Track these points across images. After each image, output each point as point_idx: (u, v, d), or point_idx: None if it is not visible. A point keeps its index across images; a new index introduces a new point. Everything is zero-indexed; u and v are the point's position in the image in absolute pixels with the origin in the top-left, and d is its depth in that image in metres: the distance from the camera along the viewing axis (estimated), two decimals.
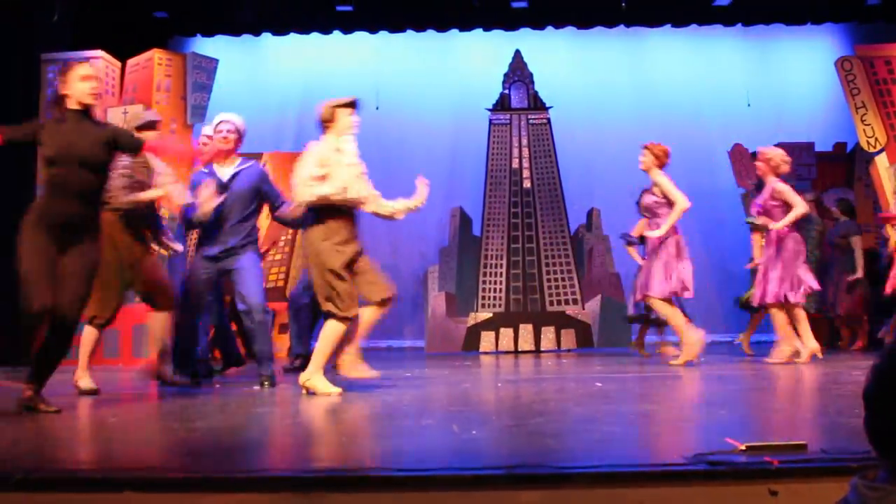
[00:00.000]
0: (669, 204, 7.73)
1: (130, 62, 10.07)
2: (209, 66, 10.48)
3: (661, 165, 7.89)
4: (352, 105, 6.12)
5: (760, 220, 7.87)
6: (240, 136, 6.68)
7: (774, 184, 7.76)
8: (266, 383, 6.19)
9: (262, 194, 6.64)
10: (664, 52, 12.39)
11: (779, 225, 7.53)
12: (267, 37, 12.02)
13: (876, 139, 9.79)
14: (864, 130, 9.84)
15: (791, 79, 12.34)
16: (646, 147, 8.01)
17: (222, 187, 6.35)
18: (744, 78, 12.38)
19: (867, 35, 11.25)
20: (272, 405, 5.28)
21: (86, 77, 4.77)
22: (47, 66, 9.88)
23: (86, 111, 4.80)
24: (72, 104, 4.78)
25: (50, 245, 4.62)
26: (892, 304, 9.10)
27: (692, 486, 2.66)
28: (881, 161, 9.73)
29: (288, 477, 2.75)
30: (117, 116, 9.84)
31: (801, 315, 7.68)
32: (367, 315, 5.97)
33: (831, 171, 10.97)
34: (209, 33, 11.88)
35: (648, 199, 7.95)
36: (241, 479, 2.73)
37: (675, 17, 11.63)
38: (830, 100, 11.54)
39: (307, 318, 8.14)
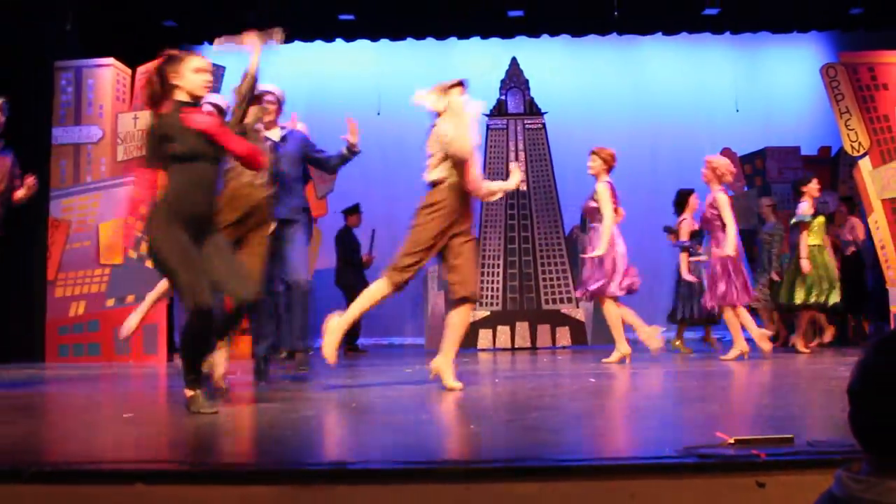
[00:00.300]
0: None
1: (140, 69, 10.05)
2: (217, 73, 10.46)
3: (610, 169, 7.92)
4: (461, 85, 6.02)
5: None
6: (280, 105, 6.73)
7: (717, 193, 7.81)
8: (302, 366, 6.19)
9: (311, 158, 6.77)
10: (656, 60, 12.40)
11: (724, 252, 7.64)
12: (272, 45, 12.01)
13: (859, 143, 9.78)
14: (847, 135, 9.84)
15: (778, 85, 12.36)
16: (593, 152, 8.00)
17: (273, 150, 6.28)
18: (732, 84, 12.40)
19: (851, 43, 11.26)
20: (276, 400, 5.28)
21: (199, 69, 4.53)
22: (60, 74, 9.88)
23: (196, 104, 4.55)
24: (181, 96, 4.49)
25: (190, 241, 4.33)
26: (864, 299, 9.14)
27: (683, 479, 2.66)
28: (864, 165, 9.73)
29: (292, 470, 2.75)
30: (128, 122, 9.85)
31: (742, 313, 7.84)
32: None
33: (816, 174, 10.96)
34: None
35: (591, 205, 7.96)
36: (246, 472, 2.73)
37: (666, 25, 11.63)
38: (815, 105, 11.55)
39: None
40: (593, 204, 7.92)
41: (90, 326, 9.32)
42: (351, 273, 10.50)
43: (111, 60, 9.93)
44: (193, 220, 4.32)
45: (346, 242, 10.81)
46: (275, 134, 6.50)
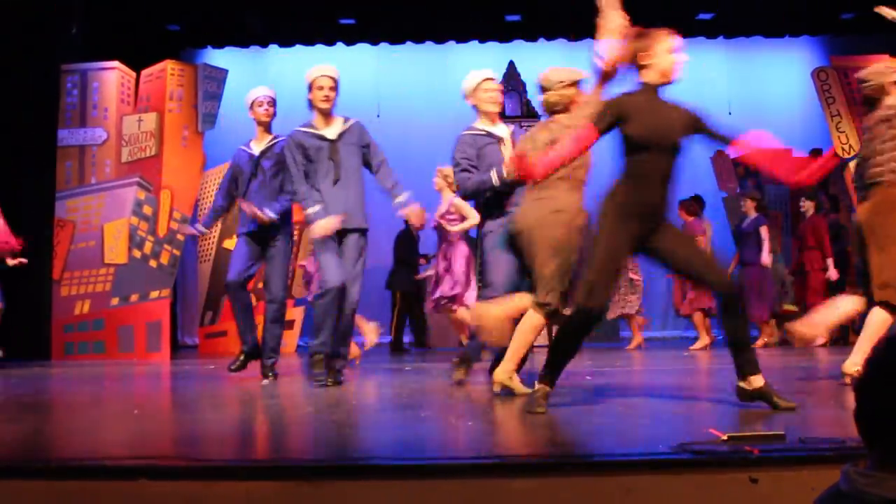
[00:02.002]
0: (462, 219, 7.87)
1: (145, 72, 10.06)
2: (219, 76, 10.46)
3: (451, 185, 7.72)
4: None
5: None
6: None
7: (453, 199, 7.87)
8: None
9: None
10: None
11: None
12: (274, 48, 12.01)
13: (850, 146, 9.79)
14: (838, 137, 9.85)
15: (770, 88, 12.36)
16: (438, 170, 8.19)
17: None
18: (726, 87, 12.39)
19: (842, 47, 11.26)
20: (279, 397, 5.28)
21: (676, 50, 4.17)
22: (65, 77, 9.88)
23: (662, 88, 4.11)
24: (652, 78, 4.14)
25: (630, 243, 3.95)
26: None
27: (677, 475, 2.66)
28: (854, 166, 9.73)
29: (295, 466, 2.75)
30: (132, 124, 9.85)
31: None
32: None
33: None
34: (219, 45, 11.88)
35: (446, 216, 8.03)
36: (250, 468, 2.73)
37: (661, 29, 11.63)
38: (807, 108, 11.55)
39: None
40: (448, 215, 8.01)
41: (95, 325, 9.33)
42: (405, 275, 10.43)
43: (116, 63, 9.93)
44: (644, 217, 3.93)
45: (406, 244, 10.71)
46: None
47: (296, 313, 10.62)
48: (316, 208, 5.67)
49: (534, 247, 4.70)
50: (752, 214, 9.63)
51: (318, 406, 4.71)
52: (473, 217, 7.61)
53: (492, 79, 6.08)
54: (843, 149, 9.81)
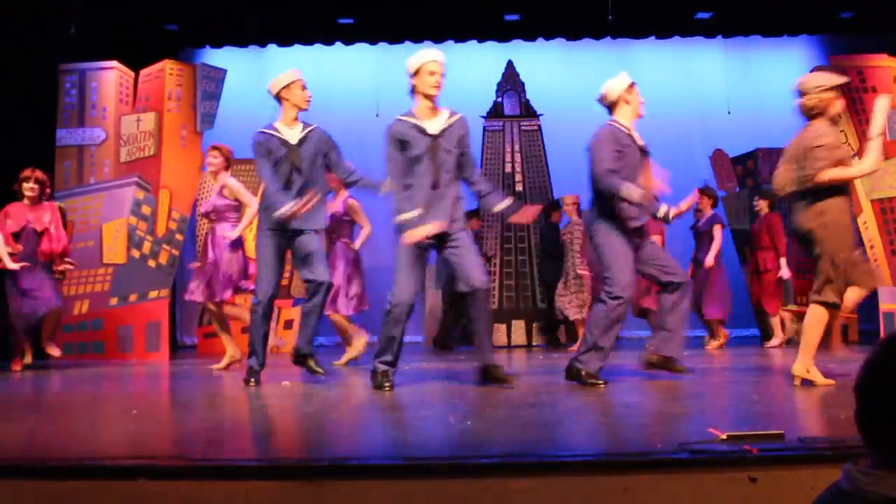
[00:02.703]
0: (239, 207, 7.46)
1: (143, 72, 10.07)
2: (218, 76, 10.46)
3: (229, 167, 7.57)
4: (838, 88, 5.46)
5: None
6: None
7: (226, 180, 7.51)
8: None
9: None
10: (649, 63, 12.39)
11: (234, 233, 7.40)
12: (272, 48, 12.01)
13: (849, 145, 9.80)
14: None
15: (769, 87, 12.35)
16: (216, 148, 7.58)
17: None
18: (724, 86, 12.40)
19: (840, 46, 11.27)
20: (278, 397, 5.29)
21: None
22: (64, 76, 9.88)
23: None
24: None
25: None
26: None
27: (676, 474, 2.67)
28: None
29: (295, 465, 2.76)
30: (131, 124, 9.85)
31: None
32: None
33: None
34: (218, 45, 11.89)
35: (219, 202, 7.45)
36: (249, 468, 2.74)
37: (658, 29, 11.64)
38: None
39: None
40: (223, 200, 7.46)
41: (94, 325, 9.32)
42: (552, 268, 10.30)
43: (114, 63, 9.93)
44: None
45: (550, 238, 10.59)
46: None
47: (294, 313, 10.61)
48: (413, 214, 5.47)
49: (818, 245, 4.98)
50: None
51: (318, 406, 4.71)
52: (368, 224, 8.19)
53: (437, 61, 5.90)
54: None
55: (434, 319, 11.07)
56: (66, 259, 8.04)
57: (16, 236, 7.68)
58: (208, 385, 6.21)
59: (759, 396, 4.67)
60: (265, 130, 6.07)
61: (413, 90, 5.79)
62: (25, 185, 7.80)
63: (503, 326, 10.97)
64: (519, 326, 10.93)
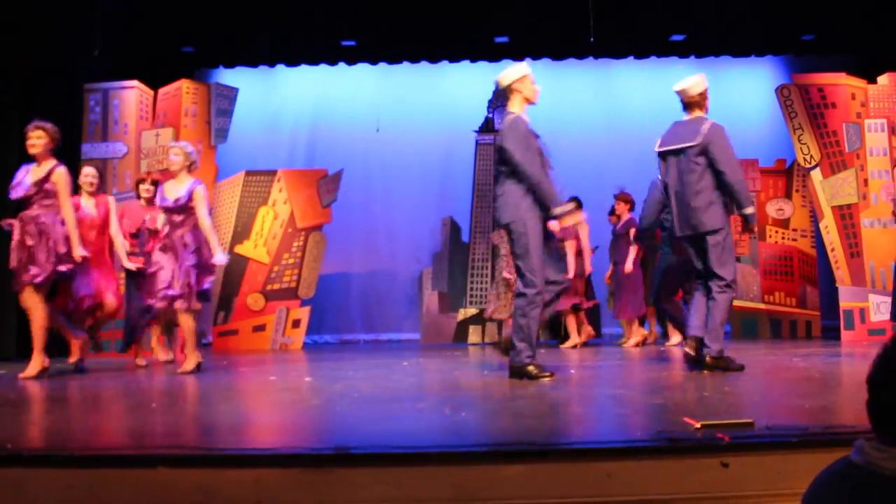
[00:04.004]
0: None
1: (161, 91, 10.06)
2: (230, 94, 10.46)
3: (55, 149, 6.50)
4: None
5: None
6: None
7: (57, 168, 6.45)
8: None
9: None
10: (628, 81, 12.43)
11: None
12: (281, 68, 12.01)
13: (811, 156, 9.82)
14: (800, 148, 9.88)
15: (738, 103, 12.38)
16: (39, 128, 6.52)
17: None
18: None
19: (802, 66, 11.30)
20: (284, 390, 5.27)
21: None
22: (88, 95, 9.87)
23: None
24: None
25: None
26: None
27: (654, 460, 2.66)
28: (816, 175, 9.77)
29: (302, 454, 2.74)
30: (150, 139, 9.83)
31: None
32: None
33: (773, 183, 11.01)
34: (230, 65, 11.88)
35: (46, 187, 6.39)
36: (259, 457, 2.72)
37: (636, 49, 11.66)
38: (772, 122, 11.59)
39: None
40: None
41: (116, 324, 9.27)
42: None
43: (135, 83, 9.92)
44: None
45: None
46: None
47: (302, 313, 10.60)
48: (570, 205, 5.54)
49: None
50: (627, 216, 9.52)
51: (323, 399, 4.70)
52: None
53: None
54: (804, 159, 9.85)
55: (431, 319, 11.06)
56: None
57: (132, 236, 7.58)
58: (222, 380, 6.19)
59: (730, 388, 4.66)
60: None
61: (509, 97, 5.64)
62: (142, 186, 7.68)
63: (494, 325, 10.95)
64: (509, 325, 10.92)
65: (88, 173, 7.34)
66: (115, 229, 7.26)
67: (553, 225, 5.44)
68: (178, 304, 6.48)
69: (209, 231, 6.58)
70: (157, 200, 6.79)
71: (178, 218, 6.58)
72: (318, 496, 2.58)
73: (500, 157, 5.48)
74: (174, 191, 6.61)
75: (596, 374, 6.13)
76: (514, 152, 5.37)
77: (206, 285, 6.73)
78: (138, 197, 7.80)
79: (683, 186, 5.61)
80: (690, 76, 6.00)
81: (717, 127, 5.72)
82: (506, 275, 9.65)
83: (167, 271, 6.48)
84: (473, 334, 11.14)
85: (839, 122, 9.80)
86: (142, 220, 7.59)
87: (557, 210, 5.37)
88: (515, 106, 5.58)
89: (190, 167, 6.77)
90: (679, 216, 5.63)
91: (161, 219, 6.78)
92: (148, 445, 3.05)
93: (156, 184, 7.57)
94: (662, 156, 5.88)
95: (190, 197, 6.55)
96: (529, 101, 5.62)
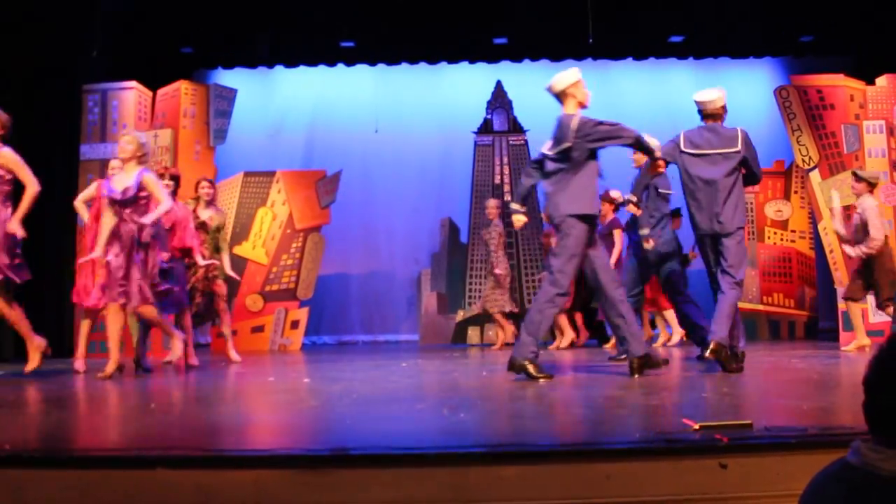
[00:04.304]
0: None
1: (160, 92, 10.06)
2: (229, 95, 10.46)
3: (7, 138, 6.31)
4: None
5: None
6: None
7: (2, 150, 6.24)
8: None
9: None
10: (626, 82, 12.43)
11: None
12: (279, 69, 12.01)
13: (810, 157, 9.83)
14: (799, 150, 9.88)
15: (736, 105, 12.21)
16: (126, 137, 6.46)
17: None
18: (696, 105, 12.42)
19: (801, 67, 11.30)
20: (283, 391, 5.27)
21: None
22: (87, 96, 9.86)
23: None
24: None
25: None
26: None
27: (653, 461, 2.66)
28: (814, 177, 9.77)
29: (299, 456, 2.75)
30: (149, 140, 9.83)
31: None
32: None
33: (772, 185, 11.02)
34: (229, 66, 11.88)
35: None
36: (258, 458, 2.72)
37: (635, 51, 11.67)
38: (770, 123, 11.58)
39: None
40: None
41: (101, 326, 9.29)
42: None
43: (134, 84, 9.92)
44: None
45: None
46: None
47: (301, 314, 10.61)
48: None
49: None
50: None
51: (322, 400, 4.70)
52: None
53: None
54: (803, 160, 9.86)
55: (429, 320, 11.05)
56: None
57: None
58: (221, 381, 6.19)
59: (729, 389, 4.67)
60: None
61: (564, 101, 5.86)
62: (161, 181, 7.49)
63: (493, 326, 10.96)
64: (508, 326, 10.93)
65: (205, 185, 7.81)
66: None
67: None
68: (127, 304, 6.21)
69: (163, 213, 6.31)
70: (105, 191, 6.36)
71: (126, 211, 6.21)
72: (317, 497, 2.59)
73: (565, 155, 5.60)
74: (122, 182, 6.27)
75: (596, 376, 6.14)
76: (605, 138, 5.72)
77: (164, 286, 6.47)
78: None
79: (715, 189, 5.81)
80: (712, 89, 6.31)
81: (747, 134, 6.08)
82: (497, 270, 9.69)
83: (119, 269, 6.16)
84: (472, 335, 11.14)
85: (838, 123, 9.80)
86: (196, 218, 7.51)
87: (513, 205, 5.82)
88: (571, 109, 5.78)
89: (141, 158, 6.36)
90: (705, 215, 5.82)
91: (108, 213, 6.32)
92: (147, 446, 3.05)
93: (175, 178, 7.43)
94: (689, 157, 6.06)
95: (139, 187, 6.21)
96: (582, 105, 5.82)
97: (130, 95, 9.90)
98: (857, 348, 7.92)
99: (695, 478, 2.63)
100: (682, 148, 6.07)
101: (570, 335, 9.62)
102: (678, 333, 9.40)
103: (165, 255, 6.93)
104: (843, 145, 9.76)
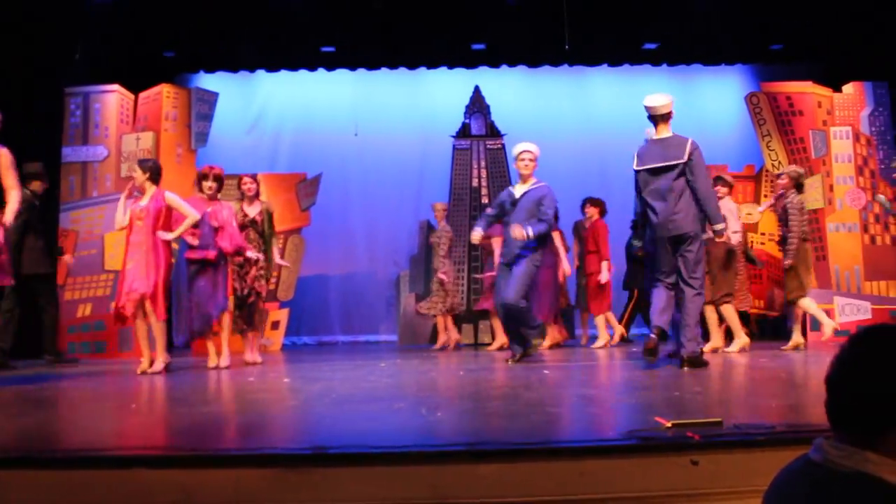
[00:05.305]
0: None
1: (142, 95, 9.99)
2: (211, 98, 10.40)
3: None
4: None
5: None
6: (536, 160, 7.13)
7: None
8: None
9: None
10: (602, 88, 12.49)
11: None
12: (261, 73, 11.97)
13: (779, 162, 9.92)
14: (769, 154, 9.97)
15: (709, 110, 12.48)
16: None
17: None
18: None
19: (771, 74, 11.40)
20: (263, 391, 5.25)
21: None
22: (69, 99, 9.78)
23: None
24: None
25: None
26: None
27: (626, 459, 2.68)
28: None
29: (278, 455, 2.73)
30: (131, 142, 9.76)
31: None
32: None
33: (742, 188, 11.10)
34: (211, 70, 11.82)
35: None
36: (237, 457, 2.71)
37: (611, 57, 11.73)
38: (741, 128, 11.69)
39: None
40: None
41: (96, 326, 9.23)
42: (643, 274, 10.21)
43: (116, 87, 9.85)
44: None
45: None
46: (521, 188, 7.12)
47: (281, 315, 10.57)
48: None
49: None
50: (595, 218, 9.60)
51: (302, 399, 4.68)
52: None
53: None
54: (773, 165, 9.94)
55: (408, 320, 11.04)
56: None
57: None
58: (200, 381, 6.15)
59: (700, 388, 4.70)
60: None
61: (667, 121, 6.43)
62: (204, 183, 7.37)
63: (470, 326, 10.98)
64: (485, 326, 10.93)
65: (248, 181, 7.94)
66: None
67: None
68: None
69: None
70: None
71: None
72: (297, 496, 2.58)
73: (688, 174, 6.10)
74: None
75: (570, 375, 6.15)
76: (705, 176, 6.16)
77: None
78: (200, 191, 7.51)
79: (667, 199, 6.08)
80: (660, 95, 6.42)
81: (697, 146, 6.20)
82: (440, 275, 9.73)
83: None
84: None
85: (806, 129, 9.90)
86: (204, 213, 7.31)
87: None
88: (669, 129, 6.28)
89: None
90: (662, 224, 6.09)
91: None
92: (127, 446, 3.03)
93: (219, 179, 7.42)
94: (641, 172, 6.30)
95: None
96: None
97: (113, 98, 9.83)
98: (793, 347, 8.01)
99: (667, 474, 2.64)
100: (635, 167, 6.34)
101: (554, 336, 9.67)
102: (608, 337, 9.45)
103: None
104: (812, 150, 9.86)
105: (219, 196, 7.47)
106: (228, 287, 7.43)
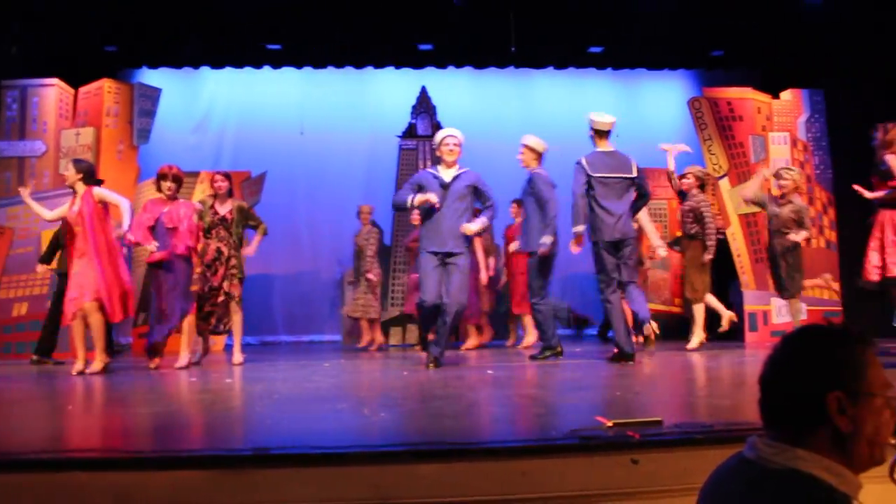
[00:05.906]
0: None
1: (82, 90, 9.77)
2: (153, 94, 10.23)
3: None
4: None
5: None
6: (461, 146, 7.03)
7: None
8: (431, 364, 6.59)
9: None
10: (547, 90, 12.58)
11: None
12: (205, 70, 11.78)
13: (720, 166, 10.11)
14: (710, 158, 10.15)
15: (652, 114, 12.64)
16: None
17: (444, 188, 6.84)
18: (614, 112, 12.40)
19: (712, 80, 11.59)
20: (207, 392, 5.17)
21: None
22: (5, 92, 9.54)
23: None
24: None
25: None
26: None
27: (567, 458, 2.70)
28: (724, 184, 10.05)
29: (219, 456, 2.70)
30: (70, 138, 9.54)
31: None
32: None
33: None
34: (154, 65, 11.60)
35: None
36: (177, 459, 2.67)
37: (556, 60, 11.81)
38: (684, 132, 11.84)
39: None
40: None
41: (32, 326, 8.98)
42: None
43: (55, 81, 9.63)
44: None
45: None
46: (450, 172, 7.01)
47: None
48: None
49: None
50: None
51: (242, 400, 4.63)
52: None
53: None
54: (714, 168, 10.12)
55: (352, 320, 10.98)
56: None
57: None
58: (140, 382, 6.04)
59: (641, 388, 4.76)
60: None
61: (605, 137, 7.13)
62: (163, 183, 7.18)
63: (415, 326, 10.97)
64: (412, 329, 11.01)
65: (219, 179, 7.81)
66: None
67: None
68: None
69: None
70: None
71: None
72: (237, 497, 2.54)
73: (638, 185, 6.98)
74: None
75: (515, 375, 6.19)
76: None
77: None
78: (159, 191, 7.32)
79: (617, 204, 6.83)
80: (605, 114, 7.21)
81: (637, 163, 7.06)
82: (369, 276, 9.77)
83: None
84: (394, 336, 11.12)
85: (746, 134, 10.11)
86: (160, 214, 7.17)
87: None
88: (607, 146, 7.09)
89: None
90: (612, 226, 6.78)
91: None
92: (64, 449, 2.96)
93: (178, 180, 7.26)
94: (597, 179, 6.90)
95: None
96: None
97: (51, 92, 9.60)
98: (698, 345, 8.21)
99: (607, 473, 2.67)
100: (590, 172, 6.87)
101: (479, 337, 9.71)
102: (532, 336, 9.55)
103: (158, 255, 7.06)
104: (751, 155, 10.07)
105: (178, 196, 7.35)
106: (191, 288, 7.35)
